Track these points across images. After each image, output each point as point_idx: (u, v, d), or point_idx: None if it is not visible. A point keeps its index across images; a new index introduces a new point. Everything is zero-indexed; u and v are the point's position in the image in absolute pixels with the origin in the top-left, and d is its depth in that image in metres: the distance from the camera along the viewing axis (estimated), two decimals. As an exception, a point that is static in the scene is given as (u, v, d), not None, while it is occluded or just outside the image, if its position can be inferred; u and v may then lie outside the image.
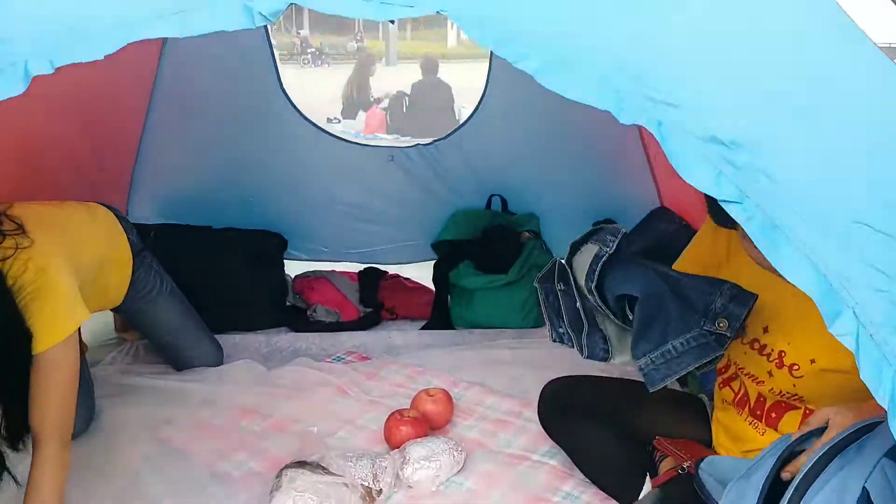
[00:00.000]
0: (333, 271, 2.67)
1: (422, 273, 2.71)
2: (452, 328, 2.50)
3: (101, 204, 1.93)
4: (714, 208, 1.27)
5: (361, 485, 1.57)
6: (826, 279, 0.84)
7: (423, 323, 2.55)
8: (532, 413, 1.79)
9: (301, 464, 1.61)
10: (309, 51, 17.98)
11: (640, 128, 2.35)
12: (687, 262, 1.53)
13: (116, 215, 1.95)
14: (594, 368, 1.61)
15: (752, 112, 0.91)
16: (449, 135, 2.63)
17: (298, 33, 18.61)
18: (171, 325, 2.08)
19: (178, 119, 2.38)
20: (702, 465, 1.23)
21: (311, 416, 1.90)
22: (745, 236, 1.14)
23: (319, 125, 2.65)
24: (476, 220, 2.60)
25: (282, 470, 1.59)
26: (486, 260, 2.48)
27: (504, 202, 2.65)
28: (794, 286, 1.20)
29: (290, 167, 2.53)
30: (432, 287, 2.63)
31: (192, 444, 1.78)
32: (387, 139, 6.20)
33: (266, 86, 2.44)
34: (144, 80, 2.32)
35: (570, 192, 2.58)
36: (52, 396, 1.34)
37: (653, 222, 2.29)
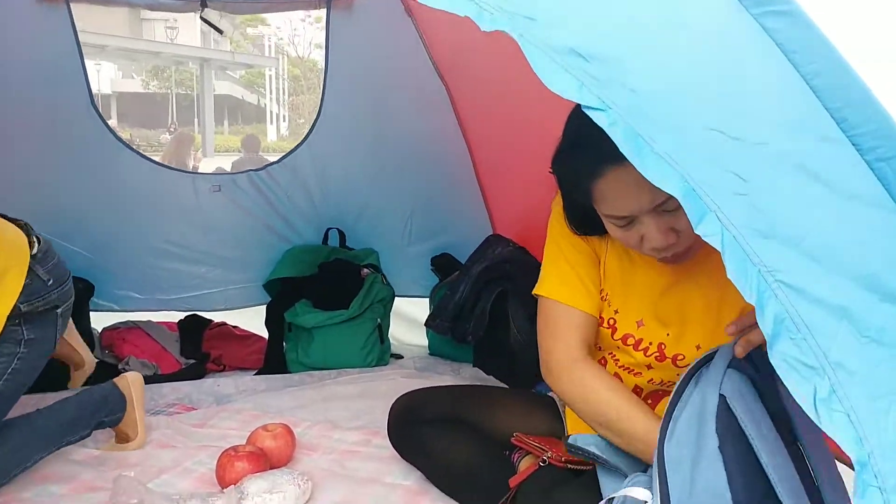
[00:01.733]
0: (149, 321, 2.38)
1: (251, 321, 2.50)
2: (288, 373, 2.30)
3: None
4: (575, 220, 1.20)
5: (191, 527, 1.33)
6: (688, 184, 0.85)
7: (254, 372, 2.33)
8: (383, 441, 1.65)
9: (114, 511, 1.34)
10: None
11: (472, 157, 2.45)
12: (561, 259, 1.29)
13: None
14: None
15: (611, 30, 0.93)
16: (282, 158, 2.52)
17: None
18: None
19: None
20: (569, 441, 1.17)
21: (126, 469, 1.61)
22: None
23: (133, 147, 2.43)
24: (313, 255, 2.48)
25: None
26: (324, 297, 2.35)
27: (342, 236, 2.56)
28: (669, 274, 1.23)
29: (99, 196, 2.26)
30: (264, 334, 2.43)
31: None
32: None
33: (73, 97, 2.21)
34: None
35: (405, 224, 2.56)
36: None
37: (489, 248, 2.31)
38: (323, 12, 2.34)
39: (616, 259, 1.26)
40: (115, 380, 1.77)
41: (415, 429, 1.55)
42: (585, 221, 1.18)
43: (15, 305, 1.43)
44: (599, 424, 1.14)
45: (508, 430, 1.49)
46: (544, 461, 1.34)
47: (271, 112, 25.02)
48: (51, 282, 1.52)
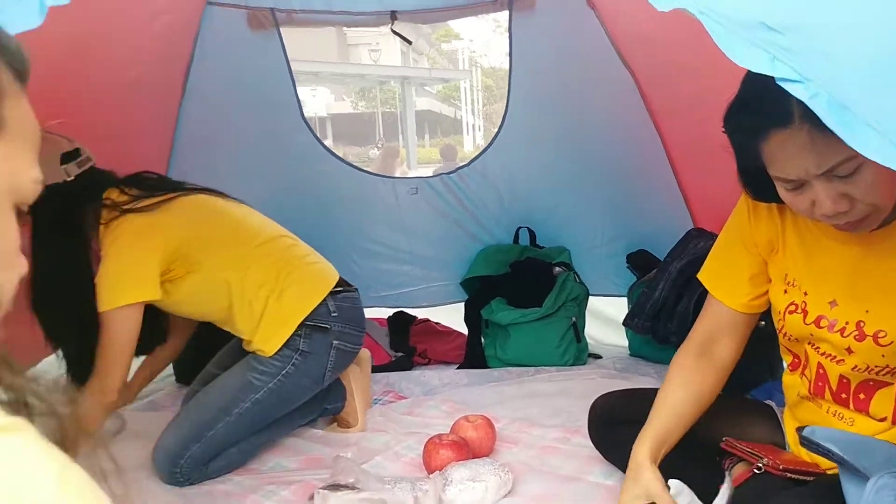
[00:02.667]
0: (363, 317, 2.59)
1: (453, 317, 2.62)
2: (487, 368, 2.39)
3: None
4: (749, 183, 1.16)
5: (401, 507, 1.44)
6: (901, 152, 0.77)
7: (457, 366, 2.44)
8: (583, 439, 1.66)
9: (335, 487, 1.49)
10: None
11: (666, 148, 2.36)
12: (720, 248, 1.33)
13: None
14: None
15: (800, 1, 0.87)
16: (472, 161, 2.62)
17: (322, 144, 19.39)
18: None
19: (202, 153, 2.39)
20: (803, 433, 1.07)
21: (344, 450, 1.78)
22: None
23: (342, 157, 2.67)
24: (505, 255, 2.54)
25: (314, 493, 1.47)
26: (518, 294, 2.40)
27: (532, 235, 2.60)
28: (860, 248, 1.13)
29: (309, 202, 2.51)
30: (464, 331, 2.54)
31: (218, 485, 1.65)
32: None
33: (288, 119, 2.48)
34: (169, 117, 2.37)
35: (598, 221, 2.53)
36: (100, 351, 1.56)
37: (690, 242, 2.21)
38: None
39: (797, 240, 1.20)
40: None
41: (617, 429, 1.52)
42: (758, 184, 1.12)
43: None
44: None
45: (719, 437, 1.41)
46: (759, 468, 1.26)
47: (467, 123, 25.86)
48: (335, 314, 1.74)
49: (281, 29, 2.39)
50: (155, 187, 1.67)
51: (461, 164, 2.82)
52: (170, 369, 2.28)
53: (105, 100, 1.96)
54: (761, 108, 0.97)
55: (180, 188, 1.71)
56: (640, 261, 2.48)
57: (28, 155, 0.52)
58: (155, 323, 1.79)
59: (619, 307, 2.48)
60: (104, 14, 1.67)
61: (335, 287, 1.78)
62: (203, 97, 2.39)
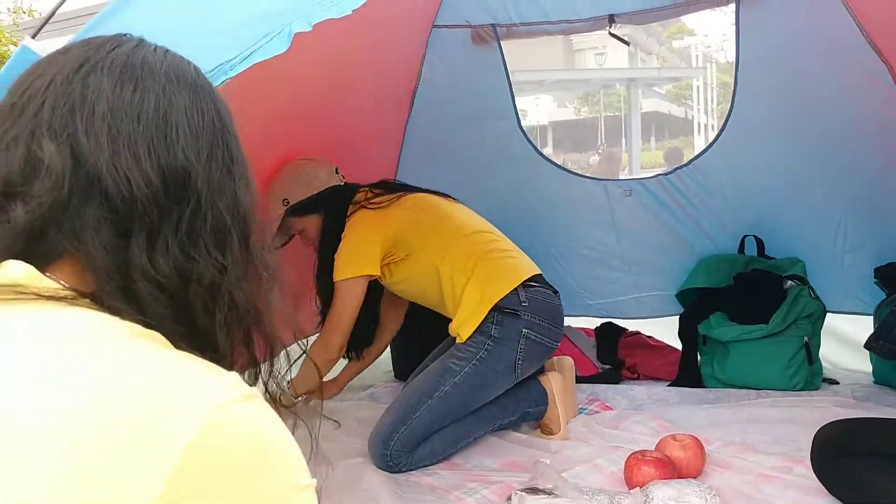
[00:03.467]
0: (569, 325, 2.57)
1: (664, 331, 2.50)
2: (703, 388, 2.24)
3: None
4: None
5: (598, 519, 1.41)
6: None
7: (668, 383, 2.33)
8: (807, 470, 1.49)
9: (533, 490, 1.50)
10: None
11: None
12: None
13: None
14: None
15: None
16: (692, 160, 2.47)
17: (542, 152, 19.57)
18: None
19: (425, 165, 2.52)
20: None
21: (545, 456, 1.79)
22: None
23: (552, 159, 2.69)
24: (728, 266, 2.37)
25: (512, 494, 1.50)
26: (742, 309, 2.22)
27: (760, 244, 2.39)
28: None
29: (521, 207, 2.55)
30: (678, 346, 2.41)
31: (425, 477, 1.74)
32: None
33: (506, 129, 2.55)
34: (397, 133, 2.56)
35: (839, 227, 2.25)
36: (330, 314, 1.88)
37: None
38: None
39: None
40: (539, 376, 1.97)
41: (845, 461, 1.38)
42: None
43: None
44: None
45: None
46: None
47: (699, 123, 24.42)
48: (525, 304, 1.83)
49: (502, 42, 2.48)
50: (394, 189, 1.97)
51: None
52: (389, 366, 2.46)
53: (346, 121, 2.18)
54: None
55: (411, 189, 1.99)
56: (890, 275, 2.17)
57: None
58: (364, 328, 2.05)
59: (862, 327, 2.19)
60: (350, 43, 1.85)
61: (530, 281, 1.87)
62: (427, 113, 2.56)
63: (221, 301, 0.56)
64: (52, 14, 1.30)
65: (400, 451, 1.74)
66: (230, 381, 0.48)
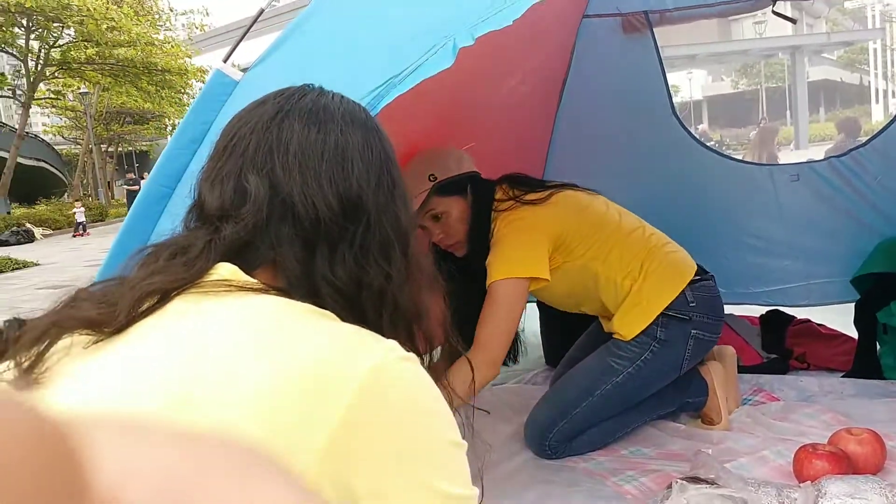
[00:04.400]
0: (731, 314, 2.48)
1: (836, 318, 2.35)
2: (883, 379, 2.08)
3: None
4: None
5: (765, 511, 1.38)
6: None
7: (842, 374, 2.18)
8: None
9: (694, 479, 1.49)
10: (708, 144, 17.78)
11: None
12: None
13: None
14: None
15: None
16: (870, 140, 2.29)
17: (697, 128, 18.61)
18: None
19: (575, 156, 2.55)
20: None
21: (706, 446, 1.76)
22: None
23: (714, 146, 2.58)
24: (911, 248, 2.17)
25: (672, 482, 1.50)
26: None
27: (949, 225, 2.17)
28: None
29: (677, 195, 2.47)
30: (853, 335, 2.25)
31: (581, 463, 1.78)
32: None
33: (659, 116, 2.49)
34: (546, 127, 2.58)
35: None
36: (486, 320, 1.66)
37: None
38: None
39: None
40: (699, 366, 1.94)
41: None
42: None
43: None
44: None
45: None
46: None
47: (876, 89, 22.06)
48: (693, 304, 1.78)
49: (654, 29, 2.43)
50: (534, 185, 1.84)
51: (864, 139, 2.47)
52: (541, 352, 2.50)
53: (496, 115, 2.22)
54: None
55: (553, 184, 1.86)
56: None
57: None
58: None
59: None
60: (501, 40, 1.92)
61: (695, 277, 1.81)
62: (576, 104, 2.55)
63: (387, 303, 0.67)
64: (241, 38, 1.46)
65: (559, 442, 1.78)
66: (390, 345, 0.57)
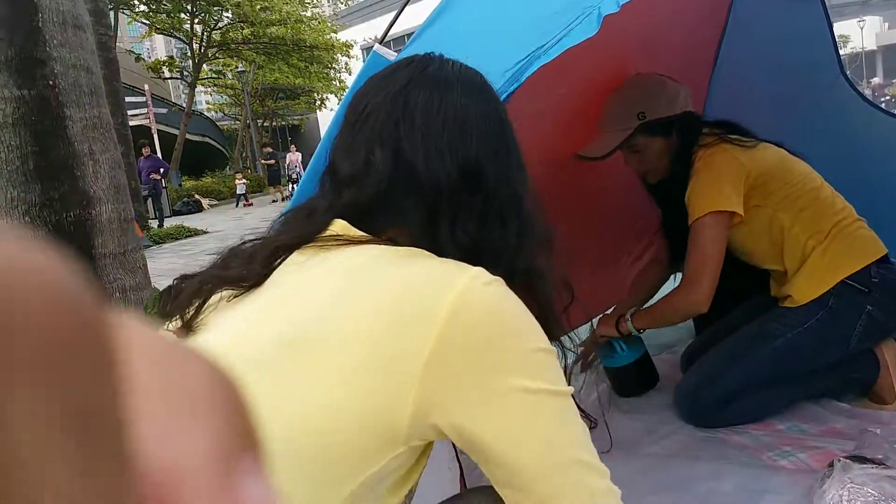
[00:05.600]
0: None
1: None
2: None
3: None
4: None
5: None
6: None
7: None
8: None
9: (859, 459, 1.42)
10: (882, 100, 16.11)
11: None
12: None
13: None
14: None
15: None
16: None
17: (870, 82, 16.86)
18: None
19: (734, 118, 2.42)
20: None
21: (874, 426, 1.65)
22: None
23: (886, 109, 2.35)
24: None
25: (835, 461, 1.43)
26: None
27: None
28: None
29: (852, 160, 2.26)
30: None
31: (734, 436, 1.73)
32: None
33: (826, 78, 2.30)
34: (700, 87, 2.45)
35: None
36: (691, 257, 1.71)
37: None
38: None
39: None
40: None
41: None
42: None
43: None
44: None
45: None
46: None
47: None
48: (876, 280, 1.69)
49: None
50: (745, 133, 1.81)
51: None
52: (690, 323, 2.42)
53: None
54: None
55: (759, 138, 1.81)
56: None
57: None
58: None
59: None
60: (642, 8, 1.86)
61: (884, 258, 1.73)
62: (736, 64, 2.41)
63: (504, 263, 0.71)
64: (393, 22, 1.53)
65: (707, 406, 1.75)
66: (478, 271, 0.63)
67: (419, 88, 0.74)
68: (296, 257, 0.70)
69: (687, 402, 1.79)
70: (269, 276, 0.70)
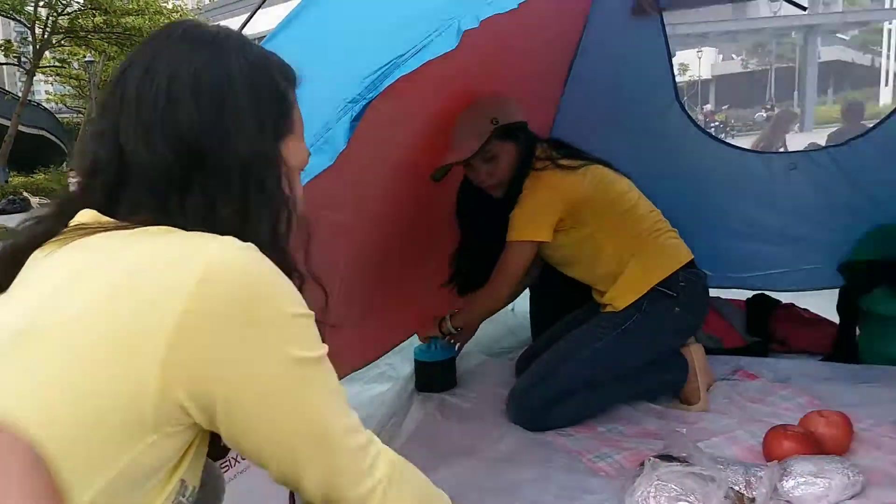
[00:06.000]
0: (718, 297, 2.52)
1: (821, 304, 2.38)
2: (859, 364, 2.13)
3: None
4: None
5: (731, 488, 1.43)
6: None
7: (821, 357, 2.23)
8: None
9: (666, 457, 1.54)
10: (712, 125, 17.67)
11: None
12: None
13: None
14: None
15: None
16: (869, 131, 2.30)
17: (703, 108, 18.47)
18: None
19: (578, 134, 2.55)
20: None
21: (681, 426, 1.81)
22: None
23: (710, 132, 2.59)
24: (898, 237, 2.20)
25: (646, 460, 1.55)
26: (910, 284, 2.07)
27: (936, 215, 2.20)
28: None
29: (677, 180, 2.48)
30: (835, 320, 2.29)
31: (559, 437, 1.82)
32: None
33: (662, 100, 2.49)
34: (552, 101, 2.58)
35: None
36: (500, 268, 1.93)
37: None
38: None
39: None
40: (681, 347, 1.98)
41: None
42: None
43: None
44: None
45: None
46: None
47: (886, 72, 21.79)
48: (683, 284, 1.88)
49: (665, 13, 2.42)
50: (573, 153, 1.96)
51: (868, 124, 2.47)
52: (528, 332, 2.55)
53: (512, 84, 2.19)
54: None
55: (588, 157, 1.97)
56: None
57: (302, 140, 0.79)
58: (482, 268, 2.04)
59: None
60: (510, 19, 1.91)
61: (688, 264, 1.92)
62: (583, 84, 2.55)
63: (243, 232, 0.68)
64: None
65: (535, 408, 1.85)
66: (229, 239, 0.63)
67: (136, 68, 0.71)
68: (38, 253, 0.69)
69: (517, 404, 1.88)
70: (12, 280, 0.67)
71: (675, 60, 2.58)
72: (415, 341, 2.26)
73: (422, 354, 2.20)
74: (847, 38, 24.26)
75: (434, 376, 2.17)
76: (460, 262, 2.16)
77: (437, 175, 1.95)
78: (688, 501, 1.37)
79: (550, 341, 2.01)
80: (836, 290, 2.31)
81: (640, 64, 2.49)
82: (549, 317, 2.24)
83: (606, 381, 1.90)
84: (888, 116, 2.29)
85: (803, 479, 1.42)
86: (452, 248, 2.17)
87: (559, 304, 2.18)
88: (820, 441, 1.58)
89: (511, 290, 2.01)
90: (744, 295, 2.53)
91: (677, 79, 2.56)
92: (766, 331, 2.39)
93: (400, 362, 2.40)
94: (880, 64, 22.86)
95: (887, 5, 23.53)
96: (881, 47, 23.15)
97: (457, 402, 2.08)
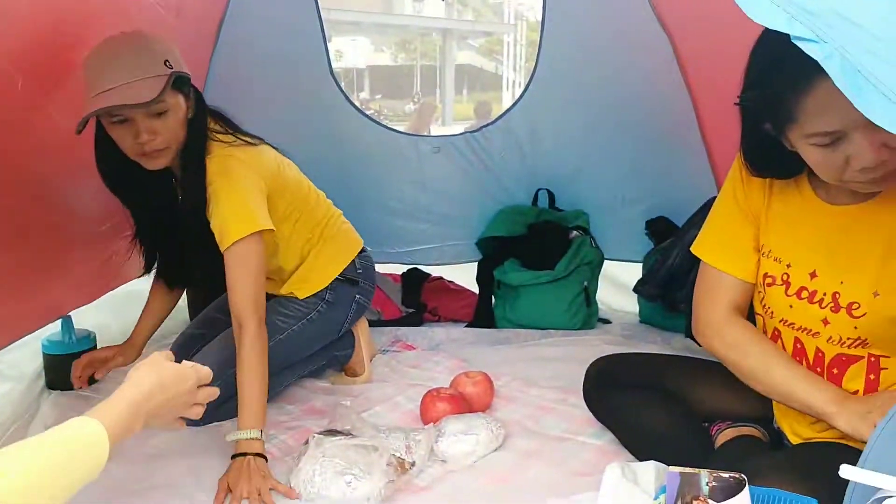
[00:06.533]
0: (377, 272, 2.59)
1: (465, 276, 2.62)
2: (496, 328, 2.39)
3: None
4: (750, 159, 1.19)
5: (393, 455, 1.45)
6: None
7: (465, 324, 2.45)
8: (578, 400, 1.65)
9: (331, 432, 1.51)
10: (367, 112, 18.55)
11: (698, 116, 2.28)
12: (722, 219, 1.31)
13: None
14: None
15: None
16: (497, 119, 2.57)
17: (359, 96, 19.29)
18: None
19: (230, 107, 2.38)
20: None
21: (346, 399, 1.81)
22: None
23: (366, 113, 2.65)
24: (522, 216, 2.51)
25: (310, 437, 1.50)
26: (532, 256, 2.38)
27: (551, 197, 2.56)
28: (842, 219, 1.14)
29: (333, 156, 2.50)
30: (476, 290, 2.54)
31: (227, 424, 1.67)
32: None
33: (317, 74, 2.46)
34: (199, 72, 2.35)
35: (620, 185, 2.48)
36: (237, 286, 1.51)
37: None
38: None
39: (782, 213, 1.22)
40: None
41: (611, 392, 1.54)
42: (766, 159, 1.16)
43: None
44: (752, 380, 1.22)
45: (709, 403, 1.46)
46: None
47: (507, 79, 25.40)
48: (360, 271, 1.91)
49: None
50: (235, 128, 1.65)
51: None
52: (186, 313, 2.31)
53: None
54: (803, 60, 0.79)
55: (253, 136, 1.68)
56: (658, 227, 2.43)
57: None
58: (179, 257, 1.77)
59: (634, 273, 2.44)
60: None
61: (362, 250, 1.95)
62: (233, 52, 2.38)
63: None
64: None
65: (212, 405, 1.63)
66: None
67: None
68: None
69: None
70: None
71: (331, 46, 2.57)
72: (40, 334, 1.88)
73: (52, 347, 1.89)
74: (476, 45, 27.58)
75: (70, 371, 1.84)
76: (146, 245, 1.76)
77: (80, 127, 1.44)
78: (352, 474, 1.37)
79: (206, 324, 1.86)
80: (476, 264, 2.55)
81: (294, 35, 2.42)
82: (207, 293, 2.06)
83: (286, 367, 1.80)
84: (511, 107, 2.59)
85: (455, 438, 1.52)
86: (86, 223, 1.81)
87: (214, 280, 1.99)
88: (469, 400, 1.71)
89: (264, 299, 1.57)
90: (399, 270, 2.65)
91: (334, 65, 2.55)
92: (419, 302, 2.53)
93: (23, 358, 1.98)
94: (502, 72, 26.52)
95: (505, 20, 27.36)
96: (502, 57, 26.84)
97: (100, 398, 1.76)
